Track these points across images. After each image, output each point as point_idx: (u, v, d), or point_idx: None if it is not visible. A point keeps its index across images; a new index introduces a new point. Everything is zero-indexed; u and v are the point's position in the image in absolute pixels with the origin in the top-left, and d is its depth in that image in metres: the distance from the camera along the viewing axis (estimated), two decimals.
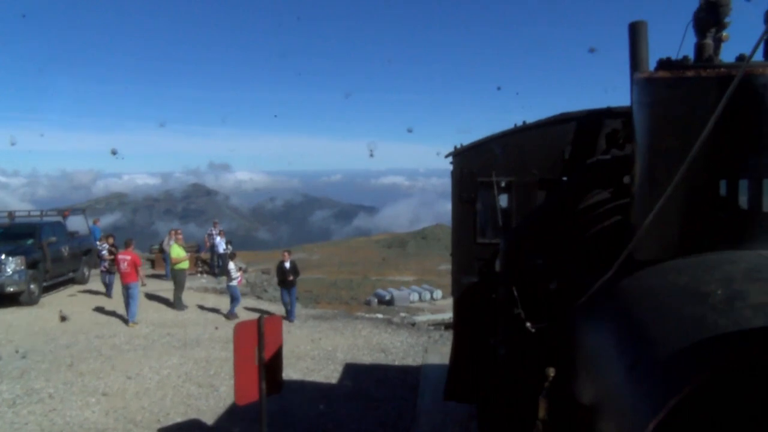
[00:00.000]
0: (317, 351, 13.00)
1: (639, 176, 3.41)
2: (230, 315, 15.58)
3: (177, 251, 16.52)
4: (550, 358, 3.66)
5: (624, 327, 2.90)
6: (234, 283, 15.68)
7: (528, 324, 4.02)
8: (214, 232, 22.20)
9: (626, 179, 4.16)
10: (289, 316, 15.76)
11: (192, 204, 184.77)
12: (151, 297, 17.39)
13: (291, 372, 11.15)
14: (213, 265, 22.22)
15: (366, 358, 12.68)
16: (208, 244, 22.57)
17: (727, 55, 3.31)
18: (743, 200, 3.16)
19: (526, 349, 4.12)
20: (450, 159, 6.20)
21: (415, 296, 39.35)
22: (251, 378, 6.25)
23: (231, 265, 15.76)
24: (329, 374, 11.35)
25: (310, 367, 11.69)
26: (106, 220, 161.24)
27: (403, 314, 27.33)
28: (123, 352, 11.91)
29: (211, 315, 16.06)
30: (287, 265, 15.55)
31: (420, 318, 28.74)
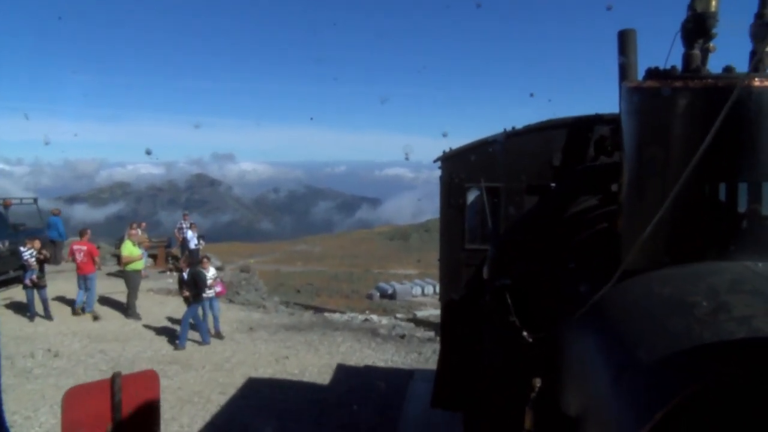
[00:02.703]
0: (279, 376, 10.57)
1: (626, 185, 3.39)
2: (217, 333, 12.89)
3: (129, 249, 14.13)
4: (537, 367, 3.52)
5: (609, 338, 2.82)
6: (211, 292, 12.59)
7: (525, 333, 3.85)
8: (184, 225, 19.91)
9: (614, 187, 4.15)
10: (202, 338, 12.39)
11: (195, 194, 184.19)
12: (102, 301, 15.05)
13: (230, 412, 8.75)
14: None
15: (340, 387, 10.23)
16: (179, 238, 20.26)
17: (714, 65, 3.30)
18: (726, 208, 3.06)
19: (512, 358, 3.98)
20: (438, 164, 6.09)
21: (417, 290, 39.40)
22: None
23: (210, 273, 12.68)
24: (284, 411, 8.89)
25: (258, 405, 9.20)
26: (110, 210, 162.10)
27: (399, 315, 25.42)
28: (29, 380, 9.52)
29: (165, 325, 13.67)
30: (184, 276, 12.16)
31: (422, 313, 27.09)
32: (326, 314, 22.84)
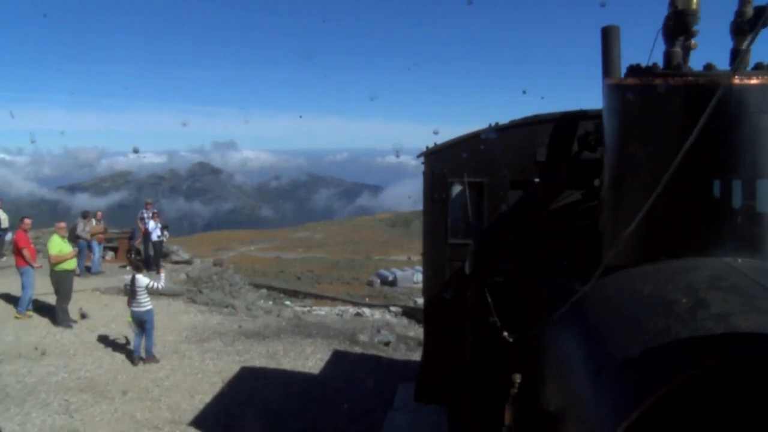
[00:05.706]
0: (221, 404, 8.25)
1: (606, 181, 3.42)
2: (147, 357, 10.02)
3: (58, 245, 11.78)
4: (517, 364, 3.52)
5: (589, 335, 2.86)
6: (144, 308, 9.90)
7: (505, 334, 3.83)
8: (146, 214, 17.57)
9: (596, 183, 4.19)
10: None
11: (197, 182, 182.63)
12: (35, 305, 12.75)
13: None
14: (148, 256, 17.63)
15: (289, 422, 7.93)
16: (142, 229, 17.97)
17: (696, 63, 3.28)
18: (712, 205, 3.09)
19: (493, 354, 4.00)
20: (422, 159, 6.14)
21: (418, 277, 37.21)
22: None
23: (142, 280, 9.90)
24: None
25: None
26: (112, 199, 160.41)
27: (393, 308, 23.41)
28: None
29: (101, 334, 11.39)
30: None
31: (422, 300, 25.37)
32: (313, 310, 20.91)
